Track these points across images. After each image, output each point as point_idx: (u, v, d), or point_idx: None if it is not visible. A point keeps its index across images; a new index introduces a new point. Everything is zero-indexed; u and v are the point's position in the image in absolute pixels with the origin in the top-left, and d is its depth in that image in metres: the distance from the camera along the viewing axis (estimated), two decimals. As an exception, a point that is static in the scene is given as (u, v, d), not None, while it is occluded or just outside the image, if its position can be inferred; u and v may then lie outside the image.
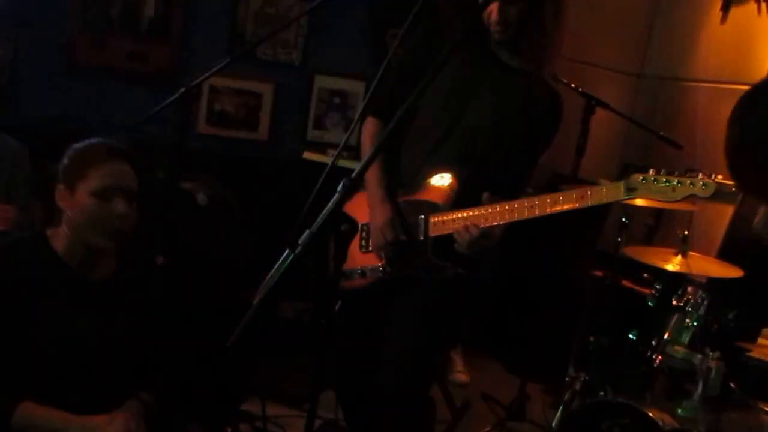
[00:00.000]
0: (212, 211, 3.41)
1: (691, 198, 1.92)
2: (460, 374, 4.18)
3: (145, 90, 3.71)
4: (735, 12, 4.10)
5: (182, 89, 2.35)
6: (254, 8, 3.98)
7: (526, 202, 2.06)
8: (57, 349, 1.89)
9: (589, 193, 1.96)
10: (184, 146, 2.53)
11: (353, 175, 1.28)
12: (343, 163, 3.95)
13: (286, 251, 1.20)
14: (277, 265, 1.20)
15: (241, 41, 3.95)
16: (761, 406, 2.39)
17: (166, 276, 2.24)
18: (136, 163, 1.98)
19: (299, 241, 1.22)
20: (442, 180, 2.27)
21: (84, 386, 1.93)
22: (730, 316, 2.49)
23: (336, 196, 1.26)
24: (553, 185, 3.90)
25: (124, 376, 1.98)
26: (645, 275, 3.68)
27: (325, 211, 1.25)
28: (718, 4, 4.16)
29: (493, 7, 2.17)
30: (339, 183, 1.30)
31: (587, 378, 3.04)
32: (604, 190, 1.96)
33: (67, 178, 1.94)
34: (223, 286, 3.18)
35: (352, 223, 1.29)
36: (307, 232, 1.23)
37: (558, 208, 2.01)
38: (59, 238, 1.96)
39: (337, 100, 4.25)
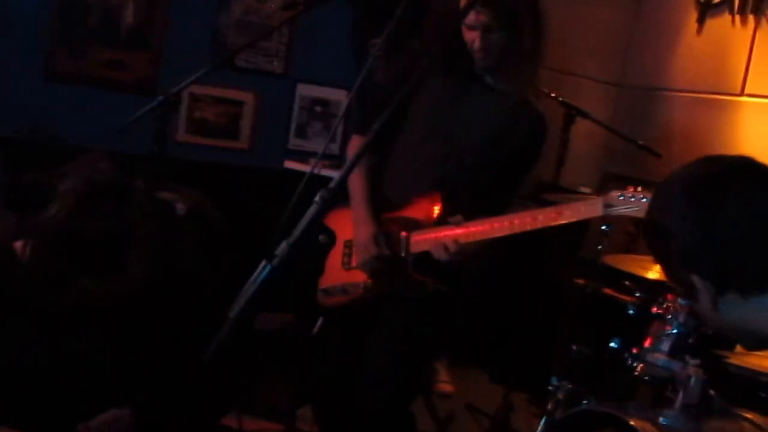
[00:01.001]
0: (192, 222, 3.37)
1: None
2: (445, 384, 4.16)
3: (124, 98, 3.68)
4: (710, 23, 4.15)
5: (161, 97, 2.32)
6: (235, 16, 3.97)
7: (505, 220, 2.11)
8: (26, 366, 1.86)
9: (566, 211, 1.99)
10: (162, 155, 2.50)
11: (331, 185, 1.26)
12: (327, 172, 3.94)
13: (263, 263, 1.18)
14: (253, 277, 1.18)
15: (222, 49, 3.93)
16: (741, 412, 2.39)
17: (143, 287, 2.21)
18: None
19: (276, 253, 1.20)
20: (425, 198, 2.31)
21: (58, 403, 1.90)
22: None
23: (313, 207, 1.24)
24: (536, 194, 3.92)
25: (100, 390, 1.95)
26: (626, 283, 3.69)
27: (303, 222, 1.23)
28: (694, 16, 4.22)
29: (476, 35, 2.23)
30: (298, 189, 1.31)
31: (570, 387, 3.04)
32: (582, 207, 1.99)
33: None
34: (203, 297, 3.14)
35: (331, 234, 1.28)
36: (284, 243, 1.21)
37: (537, 226, 2.04)
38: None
39: (319, 108, 4.23)
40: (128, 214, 1.85)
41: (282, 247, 1.19)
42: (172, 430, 2.22)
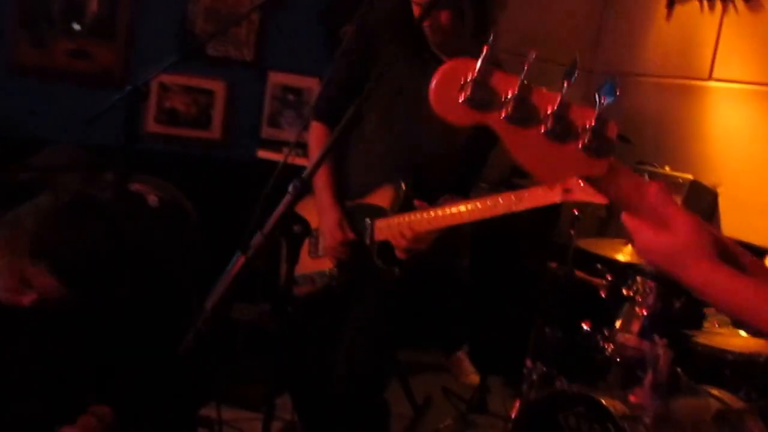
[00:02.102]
0: (164, 213, 3.36)
1: None
2: (472, 376, 4.21)
3: (90, 89, 3.63)
4: (679, 10, 4.22)
5: (130, 87, 2.30)
6: (204, 4, 3.91)
7: (465, 206, 2.10)
8: (6, 365, 1.86)
9: (526, 195, 2.00)
10: (132, 147, 2.48)
11: (303, 175, 1.29)
12: (301, 161, 3.94)
13: (237, 254, 1.20)
14: (228, 267, 1.20)
15: (190, 38, 3.87)
16: (707, 389, 2.47)
17: (119, 280, 2.21)
18: (79, 282, 1.83)
19: (251, 243, 1.22)
20: (388, 185, 2.31)
21: (37, 401, 1.90)
22: (677, 305, 2.55)
23: (287, 197, 1.27)
24: (508, 179, 3.96)
25: (78, 387, 1.95)
26: (598, 266, 3.76)
27: (276, 212, 1.25)
28: (664, 2, 4.28)
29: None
30: (270, 181, 1.32)
31: (544, 369, 3.10)
32: (541, 192, 2.00)
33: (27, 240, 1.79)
34: (177, 289, 3.14)
35: (305, 224, 1.30)
36: (258, 233, 1.24)
37: (498, 213, 2.05)
38: None
39: (291, 97, 4.20)
40: (98, 228, 1.85)
41: (256, 238, 1.21)
42: (152, 423, 2.23)
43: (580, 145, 0.95)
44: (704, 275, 0.98)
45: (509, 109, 0.91)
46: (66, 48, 3.67)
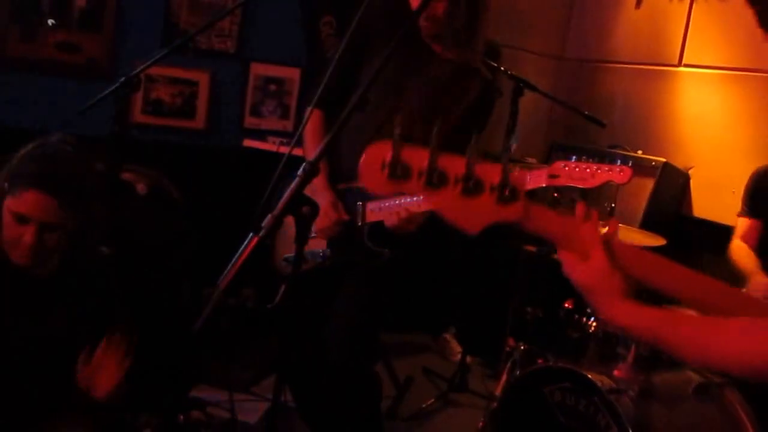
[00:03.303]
0: (152, 201, 3.34)
1: (608, 183, 1.98)
2: (458, 355, 4.25)
3: (78, 81, 3.59)
4: (649, -3, 4.25)
5: (122, 79, 2.28)
6: (188, -3, 3.90)
7: None
8: (3, 349, 1.84)
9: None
10: (124, 137, 2.46)
11: (312, 159, 1.28)
12: (285, 149, 3.93)
13: (250, 235, 1.19)
14: (240, 249, 1.19)
15: (175, 30, 3.84)
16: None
17: (111, 267, 2.20)
18: (65, 197, 1.84)
19: (262, 225, 1.21)
20: None
21: (33, 384, 1.87)
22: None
23: (297, 180, 1.26)
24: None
25: (73, 372, 1.93)
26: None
27: (287, 195, 1.25)
28: (634, -10, 4.31)
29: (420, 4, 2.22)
30: (290, 169, 1.32)
31: (526, 347, 3.12)
32: (528, 177, 2.01)
33: (3, 181, 1.86)
34: (166, 273, 3.13)
35: (314, 205, 1.30)
36: (269, 216, 1.23)
37: None
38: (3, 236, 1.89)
39: (273, 87, 4.20)
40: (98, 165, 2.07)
41: (268, 220, 1.20)
42: (147, 403, 2.22)
43: (490, 197, 1.09)
44: (611, 308, 1.14)
45: (423, 177, 1.07)
46: (55, 40, 3.62)
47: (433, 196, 1.06)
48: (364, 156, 1.08)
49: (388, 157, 1.06)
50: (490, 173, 1.09)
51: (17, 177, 1.83)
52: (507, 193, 1.08)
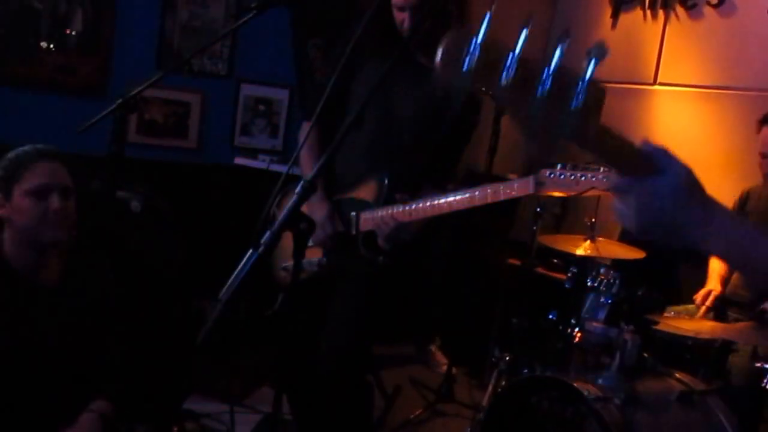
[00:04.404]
0: (146, 217, 3.33)
1: (592, 190, 1.98)
2: (444, 366, 4.23)
3: (74, 102, 3.59)
4: (624, 18, 4.30)
5: (120, 100, 2.27)
6: (181, 21, 3.89)
7: (445, 199, 2.12)
8: (7, 356, 1.82)
9: (501, 188, 2.02)
10: (121, 156, 2.45)
11: (310, 176, 1.28)
12: (276, 167, 3.93)
13: (250, 251, 1.19)
14: (241, 264, 1.19)
15: (168, 52, 3.85)
16: (671, 372, 2.52)
17: (110, 279, 2.19)
18: (66, 161, 1.98)
19: (261, 241, 1.21)
20: (372, 180, 2.33)
21: (36, 393, 1.85)
22: (639, 293, 2.60)
23: (295, 197, 1.26)
24: (471, 181, 3.98)
25: (76, 381, 1.92)
26: (555, 261, 3.81)
27: (286, 211, 1.25)
28: (609, 12, 4.36)
29: (405, 16, 2.23)
30: (278, 185, 1.31)
31: (511, 358, 3.12)
32: (516, 185, 2.02)
33: (2, 186, 1.89)
34: (159, 288, 3.11)
35: (311, 222, 1.29)
36: (268, 232, 1.22)
37: (475, 204, 2.07)
38: (5, 245, 1.90)
39: (262, 107, 4.21)
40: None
41: (267, 236, 1.20)
42: (140, 415, 2.19)
43: (574, 106, 0.92)
44: (704, 212, 0.95)
45: (510, 74, 0.91)
46: (53, 63, 3.62)
47: (515, 98, 0.91)
48: (446, 40, 0.91)
49: (475, 41, 0.90)
50: (575, 79, 0.92)
51: (16, 167, 1.90)
52: (590, 103, 0.92)
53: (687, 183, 0.96)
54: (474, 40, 0.90)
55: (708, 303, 3.01)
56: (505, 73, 0.90)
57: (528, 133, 0.93)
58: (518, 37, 0.93)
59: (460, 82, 0.91)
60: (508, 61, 0.91)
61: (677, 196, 0.94)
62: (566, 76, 0.94)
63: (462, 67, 0.90)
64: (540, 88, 0.91)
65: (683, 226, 0.95)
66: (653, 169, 0.97)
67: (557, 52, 0.93)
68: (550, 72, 0.92)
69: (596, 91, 0.95)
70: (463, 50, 0.91)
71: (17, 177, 1.88)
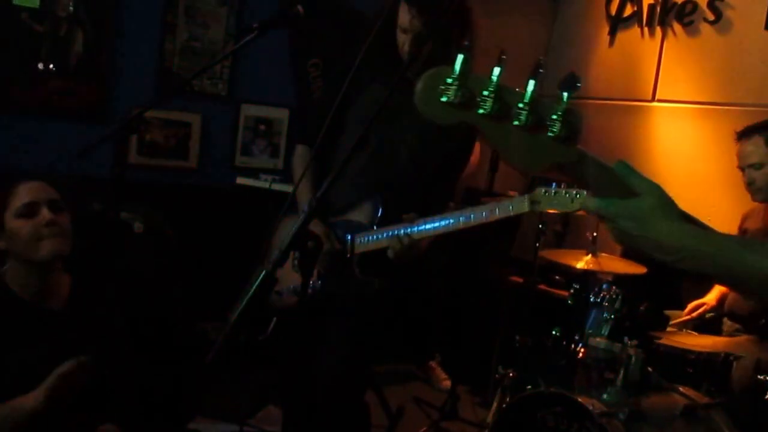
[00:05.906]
0: (148, 239, 3.34)
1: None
2: (444, 381, 4.22)
3: (74, 124, 3.61)
4: (621, 36, 4.33)
5: (122, 122, 2.30)
6: (180, 42, 3.92)
7: (448, 218, 2.13)
8: (17, 384, 1.82)
9: (497, 208, 2.04)
10: (123, 178, 2.47)
11: (317, 195, 1.29)
12: (277, 186, 3.95)
13: (260, 269, 1.20)
14: (251, 283, 1.20)
15: (167, 74, 3.88)
16: (674, 387, 2.52)
17: (116, 301, 2.20)
18: (47, 178, 2.00)
19: (270, 260, 1.22)
20: (367, 202, 2.32)
21: (46, 417, 1.85)
22: (642, 308, 2.61)
23: (303, 216, 1.27)
24: (472, 198, 4.01)
25: (84, 404, 1.92)
26: (557, 278, 3.82)
27: (293, 230, 1.26)
28: (606, 29, 4.39)
29: (406, 38, 2.25)
30: (276, 205, 1.33)
31: (515, 374, 3.12)
32: (511, 205, 2.03)
33: None
34: (159, 308, 3.12)
35: (317, 240, 1.31)
36: (276, 251, 1.24)
37: (474, 223, 2.08)
38: (9, 274, 1.92)
39: (262, 127, 4.24)
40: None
41: (275, 255, 1.21)
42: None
43: (550, 134, 0.99)
44: (672, 230, 1.01)
45: (486, 106, 0.97)
46: (54, 87, 3.64)
47: (493, 129, 0.97)
48: (424, 76, 0.99)
49: (451, 78, 0.98)
50: (551, 109, 1.00)
51: (1, 199, 1.92)
52: (568, 132, 0.99)
53: (660, 202, 1.02)
54: (451, 74, 0.97)
55: (694, 314, 3.00)
56: (481, 104, 0.97)
57: (506, 160, 1.01)
58: (491, 72, 0.99)
59: (438, 115, 0.98)
60: (485, 93, 0.98)
61: (653, 215, 1.00)
62: (541, 106, 1.00)
63: (438, 100, 0.98)
64: (516, 119, 0.98)
65: (660, 245, 1.01)
66: (628, 190, 1.02)
67: (531, 84, 0.99)
68: (526, 102, 0.97)
69: (573, 118, 1.00)
70: (439, 85, 0.98)
71: (5, 205, 1.90)
